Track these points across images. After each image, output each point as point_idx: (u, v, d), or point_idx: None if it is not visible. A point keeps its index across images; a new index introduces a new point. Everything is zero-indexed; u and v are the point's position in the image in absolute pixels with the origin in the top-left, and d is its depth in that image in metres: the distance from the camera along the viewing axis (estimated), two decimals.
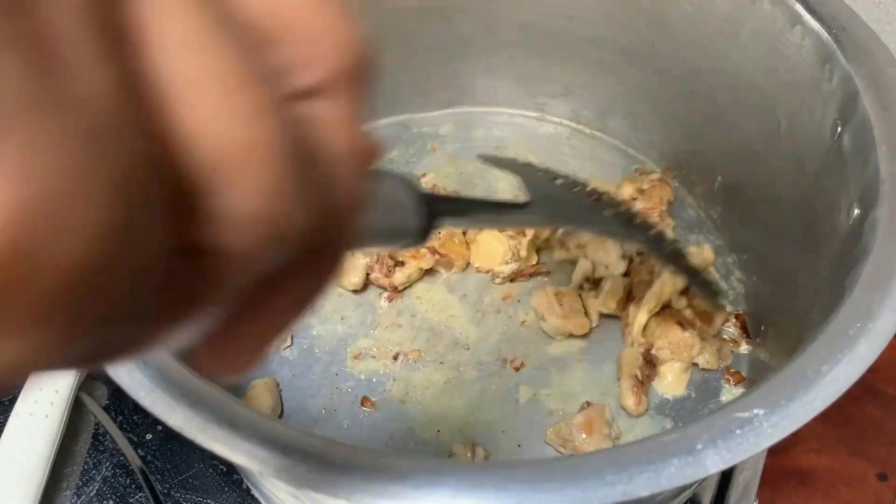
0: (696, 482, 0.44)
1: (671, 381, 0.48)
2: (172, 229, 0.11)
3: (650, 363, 0.48)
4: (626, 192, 0.55)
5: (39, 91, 0.09)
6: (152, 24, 0.11)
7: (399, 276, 0.52)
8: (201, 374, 0.14)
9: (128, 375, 0.29)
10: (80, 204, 0.10)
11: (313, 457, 0.27)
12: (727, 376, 0.48)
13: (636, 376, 0.46)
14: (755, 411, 0.28)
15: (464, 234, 0.54)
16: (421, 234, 0.23)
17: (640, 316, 0.48)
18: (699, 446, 0.27)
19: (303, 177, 0.13)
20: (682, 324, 0.48)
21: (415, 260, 0.52)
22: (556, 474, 0.27)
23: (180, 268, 0.12)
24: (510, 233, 0.52)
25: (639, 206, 0.54)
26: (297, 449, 0.27)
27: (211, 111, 0.11)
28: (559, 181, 0.40)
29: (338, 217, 0.14)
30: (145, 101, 0.11)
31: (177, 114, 0.11)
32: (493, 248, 0.52)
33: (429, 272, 0.53)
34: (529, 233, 0.52)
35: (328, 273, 0.15)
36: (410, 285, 0.53)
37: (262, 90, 0.12)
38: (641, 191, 0.55)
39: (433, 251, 0.52)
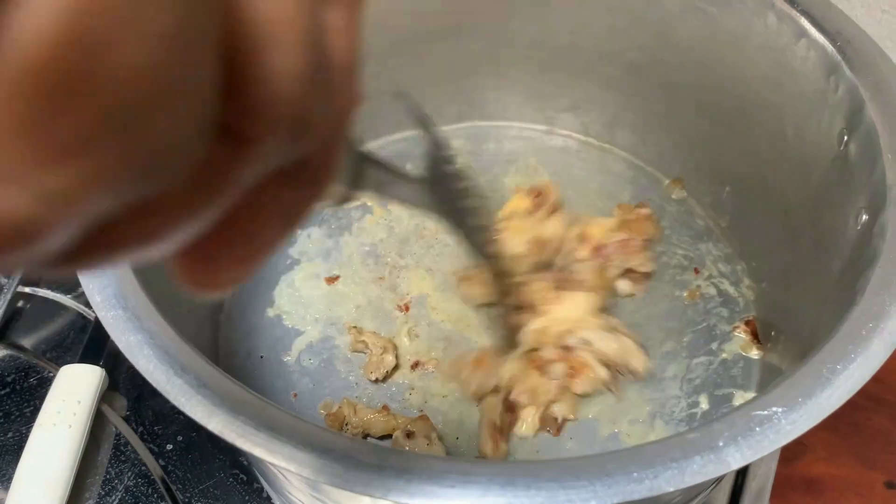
0: (713, 482, 0.45)
1: (528, 426, 0.47)
2: (217, 97, 0.12)
3: (510, 410, 0.47)
4: (611, 224, 0.54)
5: None
6: None
7: None
8: (184, 288, 0.15)
9: (168, 382, 0.30)
10: (147, 5, 0.10)
11: (351, 457, 0.27)
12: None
13: (495, 423, 0.46)
14: (774, 409, 0.29)
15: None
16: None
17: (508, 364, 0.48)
18: (721, 444, 0.28)
19: (319, 72, 0.14)
20: (541, 369, 0.48)
21: None
22: (585, 471, 0.28)
23: (213, 149, 0.12)
24: None
25: (619, 236, 0.53)
26: (334, 450, 0.28)
27: None
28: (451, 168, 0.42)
29: (336, 122, 0.15)
30: None
31: None
32: None
33: (442, 284, 0.54)
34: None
35: (320, 185, 0.16)
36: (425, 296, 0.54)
37: None
38: (624, 223, 0.54)
39: None
